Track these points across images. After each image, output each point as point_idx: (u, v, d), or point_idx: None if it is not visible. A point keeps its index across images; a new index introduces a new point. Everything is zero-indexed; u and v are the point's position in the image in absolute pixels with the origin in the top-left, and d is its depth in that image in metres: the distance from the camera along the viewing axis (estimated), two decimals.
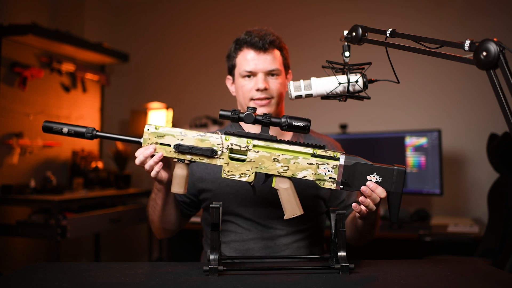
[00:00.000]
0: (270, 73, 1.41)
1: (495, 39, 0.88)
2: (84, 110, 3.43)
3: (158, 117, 3.49)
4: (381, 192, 1.09)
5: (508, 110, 0.86)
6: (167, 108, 3.47)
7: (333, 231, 1.11)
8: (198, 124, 3.29)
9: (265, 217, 1.39)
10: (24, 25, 2.72)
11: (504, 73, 0.86)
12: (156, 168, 1.13)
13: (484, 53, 0.88)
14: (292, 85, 1.24)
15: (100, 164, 3.35)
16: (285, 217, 1.13)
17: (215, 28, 3.62)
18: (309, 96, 1.24)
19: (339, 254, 1.06)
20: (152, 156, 1.12)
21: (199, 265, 1.13)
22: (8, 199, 2.69)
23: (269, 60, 1.40)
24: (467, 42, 0.93)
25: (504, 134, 2.13)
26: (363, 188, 1.09)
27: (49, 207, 2.58)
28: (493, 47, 0.87)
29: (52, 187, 2.86)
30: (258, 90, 1.39)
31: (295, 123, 1.07)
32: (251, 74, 1.41)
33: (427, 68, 3.01)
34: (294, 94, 1.24)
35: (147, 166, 1.13)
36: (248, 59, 1.40)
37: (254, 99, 1.40)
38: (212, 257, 1.05)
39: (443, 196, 2.82)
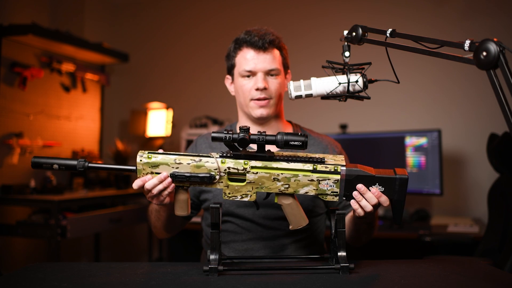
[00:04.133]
0: (269, 73, 1.40)
1: (495, 39, 0.87)
2: (84, 110, 3.43)
3: (158, 117, 3.49)
4: (384, 201, 1.09)
5: (508, 110, 0.86)
6: (167, 108, 3.48)
7: (333, 231, 1.11)
8: (198, 124, 3.29)
9: (265, 218, 1.39)
10: (24, 25, 2.71)
11: (504, 73, 0.86)
12: (161, 198, 1.11)
13: (484, 53, 0.88)
14: (292, 85, 1.23)
15: None
16: (290, 228, 1.14)
17: (215, 28, 3.62)
18: (309, 96, 1.24)
19: (339, 254, 1.07)
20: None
21: (199, 265, 1.13)
22: (8, 199, 2.69)
23: (269, 60, 1.39)
24: (467, 42, 0.93)
25: (504, 134, 2.13)
26: (354, 193, 1.09)
27: (49, 207, 2.58)
28: (493, 47, 0.87)
29: (52, 187, 2.86)
30: (257, 89, 1.39)
31: (292, 142, 1.03)
32: (250, 74, 1.40)
33: (427, 68, 3.01)
34: (294, 94, 1.24)
35: (153, 198, 1.12)
36: (248, 58, 1.40)
37: (253, 99, 1.40)
38: (212, 257, 1.05)
39: (443, 196, 2.82)
